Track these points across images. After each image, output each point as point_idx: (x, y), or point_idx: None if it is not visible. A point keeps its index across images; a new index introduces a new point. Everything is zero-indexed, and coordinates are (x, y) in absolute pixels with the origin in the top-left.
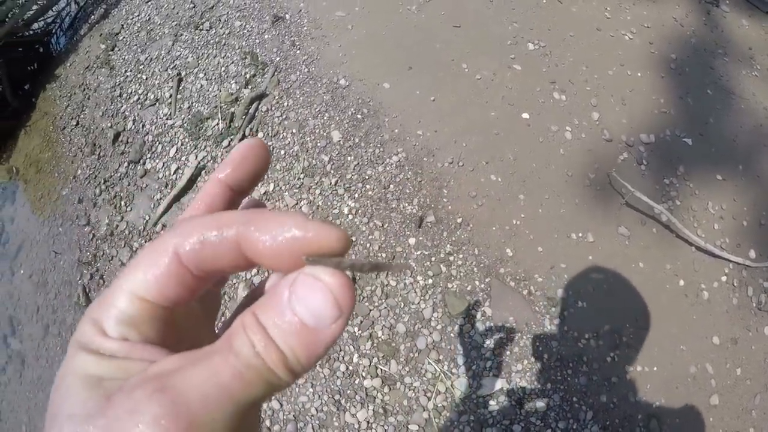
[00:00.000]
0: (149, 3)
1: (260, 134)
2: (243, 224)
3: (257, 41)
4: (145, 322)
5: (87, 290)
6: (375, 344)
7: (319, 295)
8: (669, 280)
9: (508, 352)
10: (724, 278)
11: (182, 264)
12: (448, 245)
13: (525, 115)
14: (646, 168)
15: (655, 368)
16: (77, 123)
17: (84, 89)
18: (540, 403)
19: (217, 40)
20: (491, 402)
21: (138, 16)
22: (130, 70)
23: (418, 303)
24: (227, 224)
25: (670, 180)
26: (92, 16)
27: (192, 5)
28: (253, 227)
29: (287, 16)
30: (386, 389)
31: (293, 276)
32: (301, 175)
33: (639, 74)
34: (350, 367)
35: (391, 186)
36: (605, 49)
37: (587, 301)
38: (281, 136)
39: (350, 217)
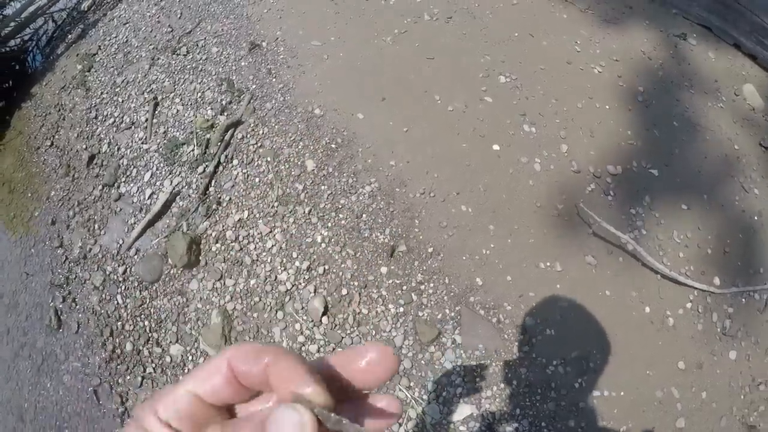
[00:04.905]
0: (127, 25)
1: (235, 161)
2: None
3: (234, 68)
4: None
5: (59, 313)
6: None
7: (292, 422)
8: (635, 307)
9: (477, 379)
10: (689, 305)
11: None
12: (419, 274)
13: (495, 147)
14: (612, 198)
15: (622, 393)
16: (52, 143)
17: (59, 109)
18: (509, 429)
19: (194, 65)
20: (461, 428)
21: (115, 37)
22: (107, 92)
23: (390, 330)
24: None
25: (636, 210)
26: (69, 36)
27: (170, 29)
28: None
29: (264, 44)
30: None
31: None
32: (275, 203)
33: (607, 107)
34: None
35: (364, 215)
36: (575, 82)
37: (555, 328)
38: (256, 164)
39: (323, 245)
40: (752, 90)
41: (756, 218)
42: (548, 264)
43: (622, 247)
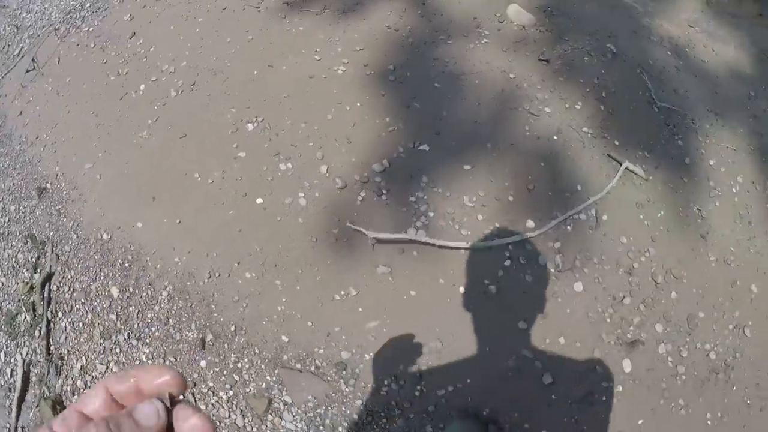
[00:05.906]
0: None
1: (60, 314)
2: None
3: (32, 221)
4: None
5: None
6: None
7: (151, 409)
8: (448, 293)
9: (321, 428)
10: (507, 263)
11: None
12: (233, 354)
13: (259, 200)
14: (387, 196)
15: (468, 380)
16: None
17: None
18: None
19: (1, 231)
20: None
21: None
22: None
23: (230, 416)
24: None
25: (416, 195)
26: None
27: None
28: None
29: (48, 186)
30: None
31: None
32: (101, 340)
33: (358, 104)
34: None
35: (170, 320)
36: (320, 95)
37: (373, 350)
38: (75, 309)
39: (149, 362)
40: (517, 9)
41: (555, 137)
42: (343, 293)
43: (412, 241)
